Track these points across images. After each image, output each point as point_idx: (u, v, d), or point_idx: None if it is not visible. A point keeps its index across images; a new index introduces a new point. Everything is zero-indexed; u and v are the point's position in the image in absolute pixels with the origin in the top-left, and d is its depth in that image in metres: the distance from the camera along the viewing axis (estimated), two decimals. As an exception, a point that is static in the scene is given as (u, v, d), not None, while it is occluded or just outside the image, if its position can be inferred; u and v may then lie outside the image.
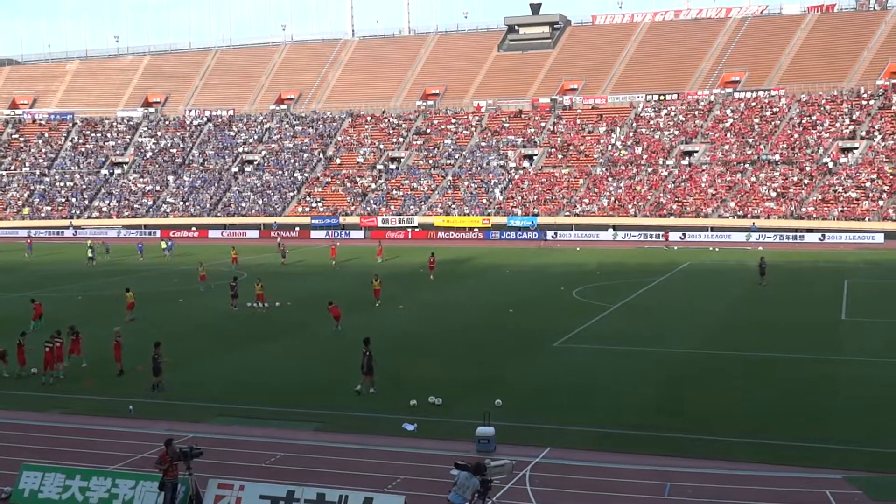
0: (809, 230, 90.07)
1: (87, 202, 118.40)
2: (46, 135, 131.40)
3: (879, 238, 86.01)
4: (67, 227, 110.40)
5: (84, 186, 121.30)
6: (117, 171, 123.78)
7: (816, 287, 55.44)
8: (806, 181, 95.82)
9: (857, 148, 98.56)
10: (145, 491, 20.01)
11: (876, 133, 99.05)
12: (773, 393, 29.55)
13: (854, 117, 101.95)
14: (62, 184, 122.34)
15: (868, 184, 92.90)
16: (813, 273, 63.62)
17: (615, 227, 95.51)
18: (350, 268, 69.98)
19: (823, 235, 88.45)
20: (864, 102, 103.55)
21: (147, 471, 20.87)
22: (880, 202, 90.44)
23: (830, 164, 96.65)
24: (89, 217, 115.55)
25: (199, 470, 20.21)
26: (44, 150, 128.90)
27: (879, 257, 72.61)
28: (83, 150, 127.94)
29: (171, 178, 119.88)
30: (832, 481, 21.41)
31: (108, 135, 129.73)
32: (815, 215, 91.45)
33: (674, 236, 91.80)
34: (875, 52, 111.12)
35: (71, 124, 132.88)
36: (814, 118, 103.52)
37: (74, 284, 61.37)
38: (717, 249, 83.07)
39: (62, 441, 25.40)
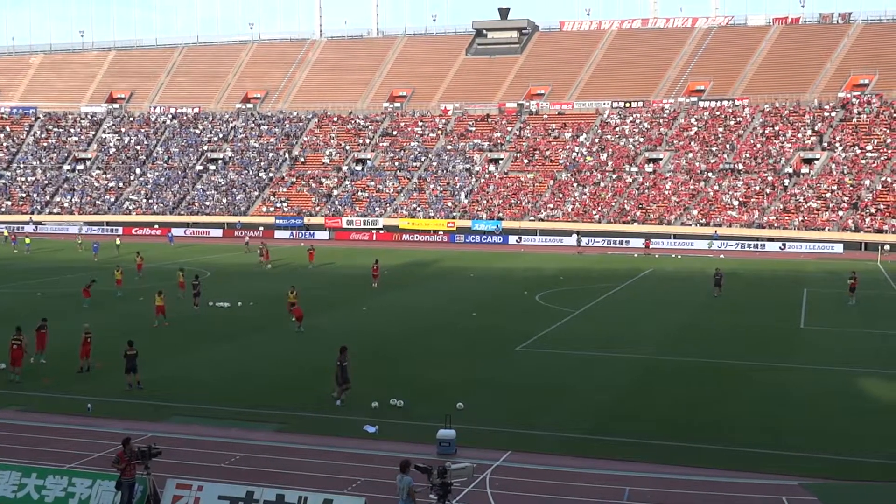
0: (770, 239, 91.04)
1: (48, 198, 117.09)
2: (8, 128, 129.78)
3: (839, 248, 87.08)
4: (27, 223, 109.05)
5: (46, 182, 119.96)
6: (80, 166, 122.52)
7: (776, 296, 56.02)
8: (768, 191, 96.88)
9: (818, 159, 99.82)
10: (102, 490, 19.80)
11: (837, 144, 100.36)
12: (730, 399, 29.85)
13: (816, 128, 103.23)
14: (23, 178, 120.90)
15: (828, 194, 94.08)
16: (773, 282, 64.29)
17: (579, 233, 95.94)
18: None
19: (784, 245, 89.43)
20: (826, 114, 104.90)
21: (104, 470, 20.68)
22: (840, 213, 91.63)
23: (789, 176, 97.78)
24: (50, 213, 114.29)
25: (158, 470, 20.05)
26: (5, 144, 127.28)
27: (838, 267, 73.43)
28: (45, 144, 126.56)
29: (134, 174, 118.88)
30: (788, 487, 21.66)
31: (72, 130, 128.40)
32: (776, 224, 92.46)
33: (635, 243, 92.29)
34: (837, 65, 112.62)
35: (33, 118, 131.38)
36: (776, 128, 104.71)
37: (33, 280, 60.68)
38: (679, 256, 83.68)
39: (18, 439, 25.09)
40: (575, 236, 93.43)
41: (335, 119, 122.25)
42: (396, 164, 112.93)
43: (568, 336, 41.36)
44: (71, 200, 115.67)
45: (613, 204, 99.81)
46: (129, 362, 30.58)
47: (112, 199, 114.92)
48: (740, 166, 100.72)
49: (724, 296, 54.42)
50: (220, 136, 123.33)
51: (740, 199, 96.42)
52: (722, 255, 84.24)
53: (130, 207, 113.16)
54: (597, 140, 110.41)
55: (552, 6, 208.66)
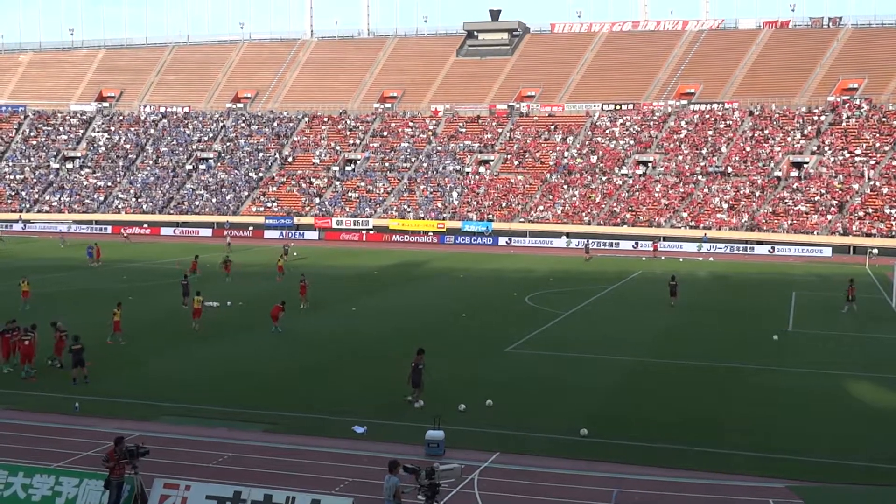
0: (759, 242, 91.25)
1: (37, 196, 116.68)
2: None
3: (827, 252, 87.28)
4: (17, 221, 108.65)
5: (35, 180, 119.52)
6: (69, 165, 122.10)
7: (764, 298, 56.17)
8: (757, 194, 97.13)
9: (807, 162, 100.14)
10: (89, 489, 19.73)
11: (826, 148, 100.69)
12: (719, 402, 29.92)
13: (805, 132, 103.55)
14: (12, 177, 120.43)
15: (817, 198, 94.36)
16: (761, 284, 64.44)
17: (569, 235, 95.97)
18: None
19: (773, 248, 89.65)
20: (815, 118, 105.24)
21: (92, 469, 20.61)
22: (829, 216, 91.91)
23: (778, 180, 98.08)
24: (39, 211, 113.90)
25: (146, 469, 19.98)
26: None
27: (826, 270, 73.72)
28: (34, 143, 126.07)
29: (123, 173, 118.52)
30: (775, 490, 21.71)
31: (61, 128, 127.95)
32: (765, 227, 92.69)
33: (625, 245, 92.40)
34: (827, 69, 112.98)
35: (23, 117, 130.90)
36: (766, 132, 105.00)
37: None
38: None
39: (5, 437, 24.96)
40: (583, 241, 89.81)
41: (325, 119, 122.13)
42: (386, 164, 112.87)
43: (557, 338, 41.36)
44: (60, 199, 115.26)
45: (603, 206, 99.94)
46: (75, 356, 30.89)
47: (101, 198, 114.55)
48: (730, 169, 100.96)
49: (712, 298, 54.46)
50: (210, 135, 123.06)
51: (729, 202, 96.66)
52: (711, 258, 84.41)
53: (120, 206, 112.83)
54: (587, 142, 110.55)
55: (543, 8, 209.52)
